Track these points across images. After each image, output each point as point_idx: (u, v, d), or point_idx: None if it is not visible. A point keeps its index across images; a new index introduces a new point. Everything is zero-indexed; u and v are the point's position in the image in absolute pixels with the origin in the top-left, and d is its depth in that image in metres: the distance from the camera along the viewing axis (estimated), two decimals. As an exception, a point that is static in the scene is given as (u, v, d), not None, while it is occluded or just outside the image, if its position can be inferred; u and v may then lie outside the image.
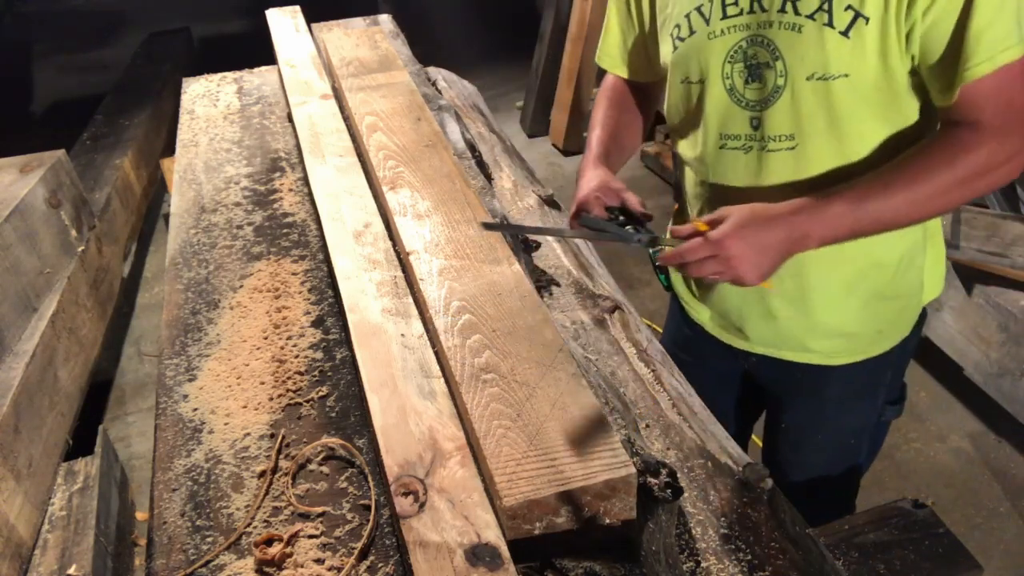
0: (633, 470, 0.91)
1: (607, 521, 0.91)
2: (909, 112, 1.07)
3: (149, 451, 1.53)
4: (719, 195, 1.26)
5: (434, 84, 2.35)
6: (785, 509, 1.08)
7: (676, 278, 1.47)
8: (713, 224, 1.01)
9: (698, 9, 1.14)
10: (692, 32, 1.15)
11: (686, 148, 1.30)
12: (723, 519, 1.06)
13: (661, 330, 2.89)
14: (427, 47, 3.01)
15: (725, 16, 1.10)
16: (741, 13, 1.09)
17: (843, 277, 1.22)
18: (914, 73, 1.03)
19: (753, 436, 1.90)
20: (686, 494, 1.10)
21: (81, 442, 1.89)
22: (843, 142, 1.09)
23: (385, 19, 2.67)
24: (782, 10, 1.04)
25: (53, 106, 5.54)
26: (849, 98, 1.04)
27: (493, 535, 0.88)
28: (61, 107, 5.48)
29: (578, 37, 4.08)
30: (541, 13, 4.35)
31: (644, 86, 1.43)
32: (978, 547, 2.08)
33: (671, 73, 1.25)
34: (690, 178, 1.34)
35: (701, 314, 1.42)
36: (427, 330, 1.18)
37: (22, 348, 1.73)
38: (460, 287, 1.22)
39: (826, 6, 1.00)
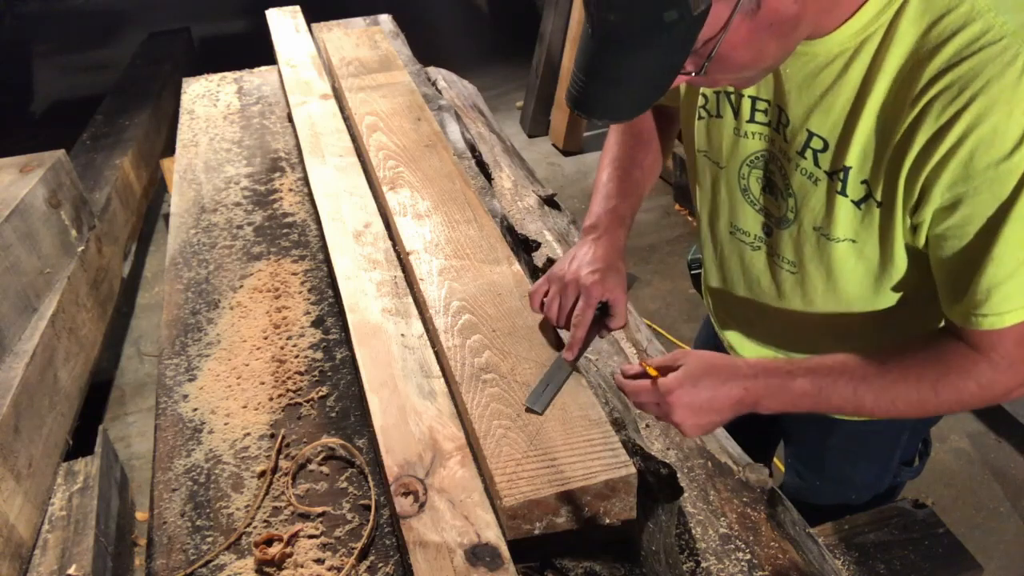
0: (633, 470, 0.90)
1: (607, 521, 0.91)
2: (910, 280, 0.99)
3: (149, 451, 1.53)
4: (726, 273, 1.22)
5: (434, 84, 2.35)
6: (785, 509, 1.08)
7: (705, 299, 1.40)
8: (664, 371, 0.93)
9: (727, 95, 1.04)
10: (719, 115, 1.07)
11: (701, 210, 1.22)
12: (723, 519, 1.06)
13: (661, 330, 2.91)
14: (427, 47, 3.01)
15: (752, 120, 1.02)
16: (768, 124, 1.01)
17: (847, 344, 1.14)
18: (920, 253, 0.95)
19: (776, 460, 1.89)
20: (686, 494, 1.10)
21: (81, 442, 1.89)
22: (839, 293, 1.04)
23: (385, 19, 2.68)
24: (801, 153, 0.96)
25: (53, 106, 5.53)
26: (850, 259, 0.99)
27: (493, 535, 0.88)
28: (61, 107, 5.47)
29: (578, 37, 4.07)
30: (541, 13, 4.35)
31: (666, 108, 1.27)
32: (978, 547, 2.07)
33: (689, 134, 1.16)
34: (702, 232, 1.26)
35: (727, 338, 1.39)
36: (427, 330, 1.18)
37: (22, 348, 1.73)
38: (460, 287, 1.22)
39: (842, 175, 0.92)
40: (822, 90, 0.91)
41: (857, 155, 0.90)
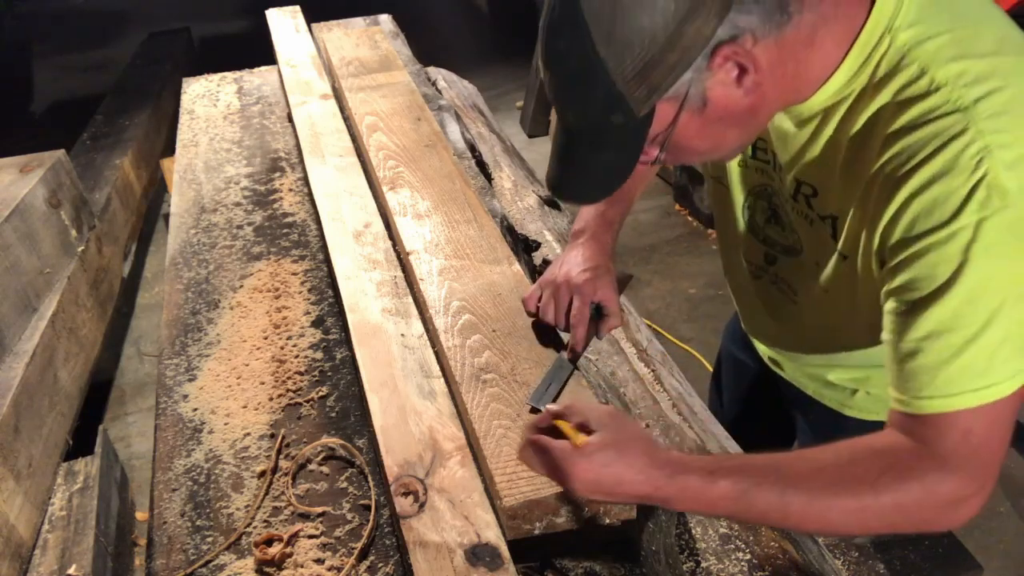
0: (633, 470, 0.90)
1: (607, 521, 0.91)
2: None
3: (149, 451, 1.52)
4: (736, 285, 1.24)
5: (434, 84, 2.35)
6: (785, 509, 1.08)
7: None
8: (578, 426, 0.84)
9: None
10: None
11: (715, 225, 1.24)
12: (723, 519, 1.06)
13: (661, 330, 2.90)
14: (427, 47, 3.01)
15: (754, 156, 1.02)
16: (768, 163, 1.00)
17: (850, 346, 1.13)
18: None
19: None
20: (686, 494, 1.10)
21: (81, 442, 1.88)
22: (833, 318, 1.04)
23: (385, 19, 2.68)
24: (795, 197, 0.96)
25: (53, 106, 5.53)
26: (842, 304, 0.98)
27: (493, 535, 0.88)
28: (61, 107, 5.47)
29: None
30: (541, 13, 4.35)
31: None
32: (978, 547, 2.07)
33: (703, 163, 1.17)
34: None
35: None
36: (427, 330, 1.18)
37: (22, 348, 1.73)
38: (460, 287, 1.22)
39: (830, 221, 0.92)
40: (800, 145, 0.91)
41: (837, 207, 0.90)
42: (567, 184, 0.88)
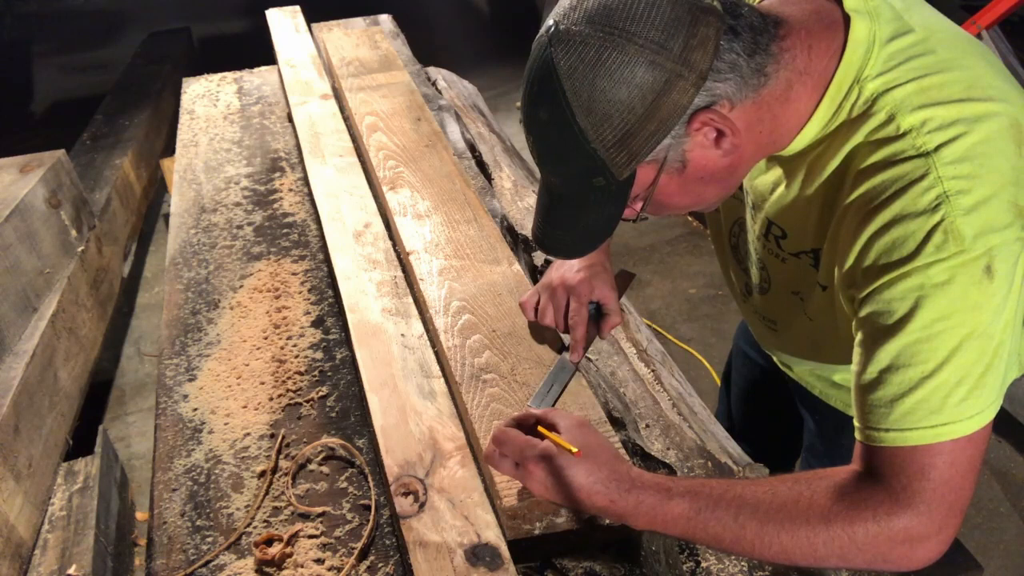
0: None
1: (607, 521, 0.91)
2: None
3: (149, 451, 1.52)
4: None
5: (434, 84, 2.35)
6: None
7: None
8: (546, 424, 0.88)
9: None
10: None
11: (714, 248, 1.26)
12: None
13: (661, 330, 2.90)
14: (427, 47, 3.01)
15: (740, 186, 1.03)
16: (742, 201, 1.03)
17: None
18: None
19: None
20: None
21: (81, 442, 1.88)
22: (822, 347, 1.06)
23: (385, 19, 2.68)
24: (765, 236, 0.98)
25: (53, 106, 5.53)
26: (827, 330, 0.99)
27: (493, 535, 0.88)
28: (61, 107, 5.46)
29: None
30: (541, 13, 4.35)
31: None
32: (978, 547, 2.07)
33: None
34: None
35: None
36: (427, 330, 1.18)
37: (22, 348, 1.73)
38: (460, 287, 1.22)
39: (811, 254, 0.93)
40: (774, 188, 0.93)
41: (816, 241, 0.91)
42: (552, 240, 0.91)
